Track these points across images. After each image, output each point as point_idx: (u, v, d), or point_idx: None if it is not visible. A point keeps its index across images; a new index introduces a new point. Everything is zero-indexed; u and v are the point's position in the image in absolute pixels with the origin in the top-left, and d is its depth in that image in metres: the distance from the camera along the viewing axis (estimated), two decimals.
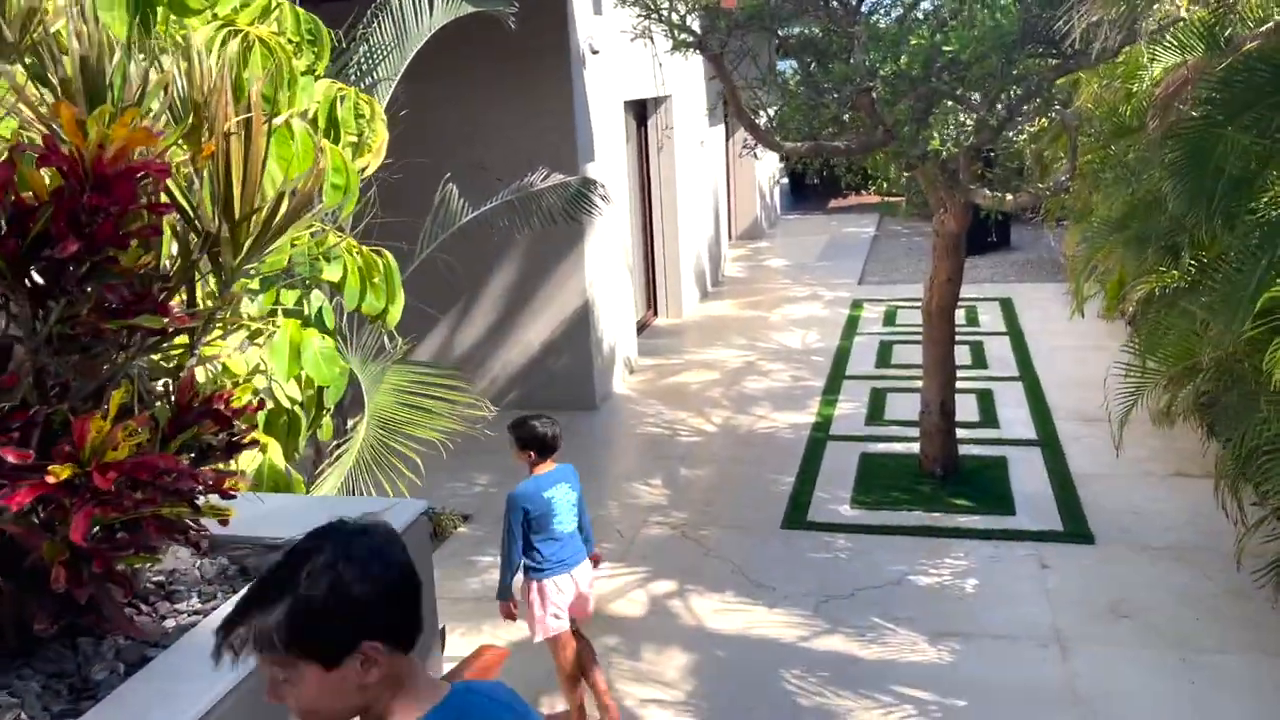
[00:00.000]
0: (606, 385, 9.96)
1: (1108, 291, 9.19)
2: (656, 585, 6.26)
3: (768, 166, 19.86)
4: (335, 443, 5.31)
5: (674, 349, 11.73)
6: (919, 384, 7.90)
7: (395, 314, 3.60)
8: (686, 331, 12.56)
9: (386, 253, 3.53)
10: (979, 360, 10.52)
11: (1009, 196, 6.36)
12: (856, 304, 13.43)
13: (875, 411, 9.23)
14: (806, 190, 24.63)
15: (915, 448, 7.93)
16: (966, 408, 8.51)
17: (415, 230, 7.10)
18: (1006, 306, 12.79)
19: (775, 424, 9.02)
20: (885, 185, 24.34)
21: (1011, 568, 6.25)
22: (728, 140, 18.11)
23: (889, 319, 12.63)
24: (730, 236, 18.74)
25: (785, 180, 24.96)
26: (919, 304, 12.59)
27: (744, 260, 17.07)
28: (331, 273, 3.38)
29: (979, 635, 5.54)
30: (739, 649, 5.56)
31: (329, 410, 3.51)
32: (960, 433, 7.79)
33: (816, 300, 13.84)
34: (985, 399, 9.31)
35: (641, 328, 12.56)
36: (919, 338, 9.57)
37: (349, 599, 1.59)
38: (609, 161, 10.20)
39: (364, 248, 3.49)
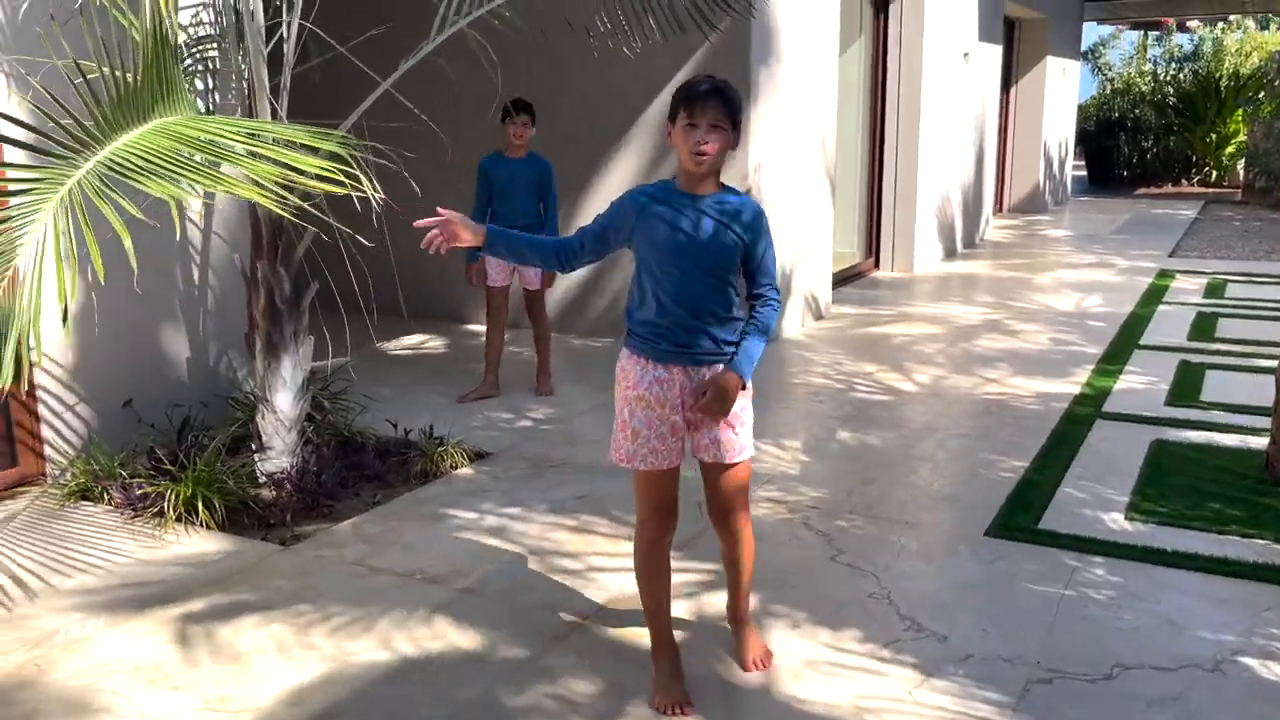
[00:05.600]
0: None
1: None
2: (722, 598, 3.33)
3: (1058, 129, 16.02)
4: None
5: (888, 300, 8.59)
6: (1267, 363, 4.48)
7: None
8: (914, 285, 9.35)
9: None
10: None
11: None
12: (1165, 274, 9.67)
13: (1185, 389, 5.76)
14: (1108, 178, 20.30)
15: (1258, 442, 4.52)
16: None
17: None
18: None
19: (1013, 390, 5.77)
20: (1215, 173, 19.69)
21: None
22: (1011, 74, 14.50)
23: (1213, 291, 8.83)
24: (1000, 206, 15.12)
25: (1083, 170, 20.75)
26: (1268, 278, 8.84)
27: (1014, 230, 13.46)
28: None
29: None
30: None
31: None
32: None
33: (1106, 268, 10.17)
34: None
35: (852, 276, 9.49)
36: (1266, 312, 6.14)
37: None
38: (812, 38, 7.28)
39: None
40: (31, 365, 2.31)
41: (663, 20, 5.02)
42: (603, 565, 3.61)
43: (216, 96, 4.87)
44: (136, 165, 2.37)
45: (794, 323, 7.32)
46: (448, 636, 3.12)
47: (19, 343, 2.28)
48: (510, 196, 5.50)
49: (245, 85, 4.23)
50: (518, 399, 5.64)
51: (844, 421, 5.24)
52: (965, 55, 10.87)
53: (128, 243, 2.22)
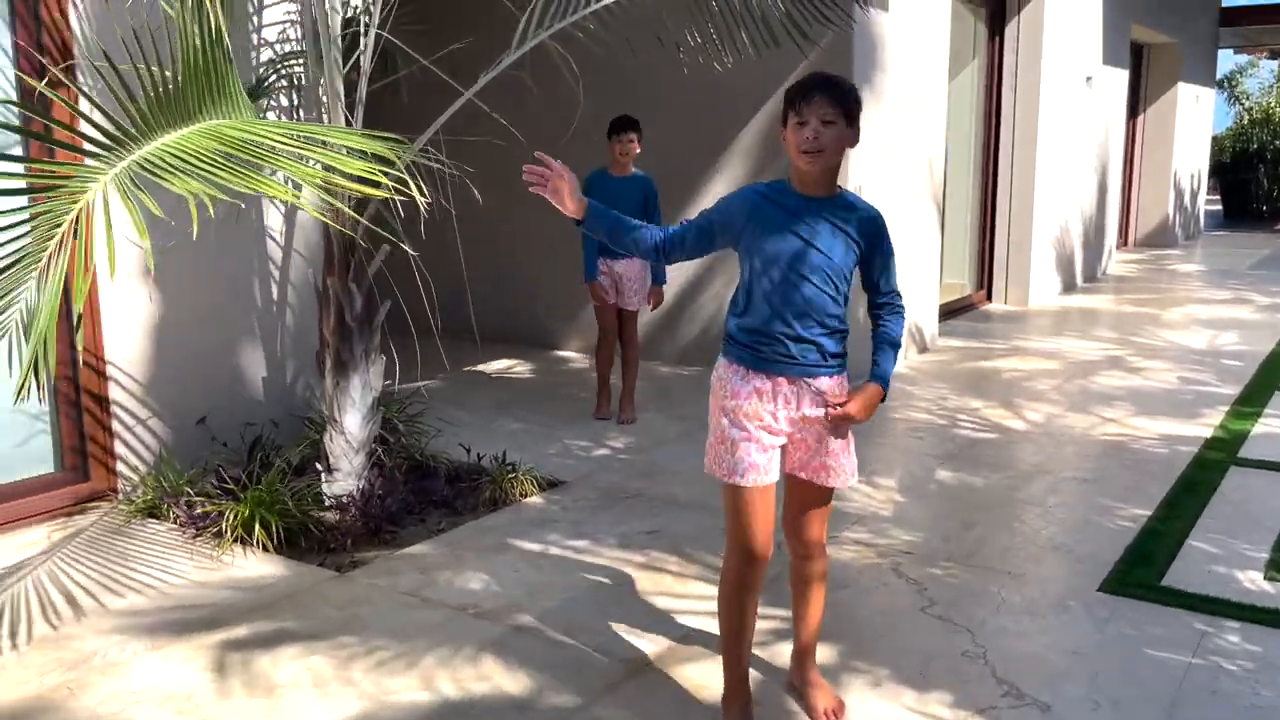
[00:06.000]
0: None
1: None
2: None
3: (1190, 159, 15.16)
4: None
5: (1000, 334, 8.12)
6: None
7: None
8: (1028, 319, 8.84)
9: None
10: None
11: None
12: None
13: None
14: (1244, 212, 19.15)
15: None
16: None
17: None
18: None
19: (1135, 431, 5.29)
20: None
21: None
22: (1138, 101, 13.79)
23: None
24: (1125, 239, 14.36)
25: (1218, 204, 19.64)
26: None
27: (1140, 264, 12.72)
28: None
29: None
30: None
31: None
32: None
33: (1243, 304, 9.46)
34: None
35: (961, 308, 9.03)
36: None
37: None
38: (920, 57, 6.95)
39: None
40: (50, 375, 2.17)
41: (756, 34, 4.80)
42: (668, 607, 3.33)
43: (301, 113, 4.83)
44: (169, 165, 2.24)
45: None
46: (494, 678, 2.89)
47: (39, 349, 2.15)
48: None
49: (323, 98, 4.15)
50: (598, 426, 5.42)
51: (944, 460, 4.85)
52: (1088, 80, 10.32)
53: (146, 244, 2.08)
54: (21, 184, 2.31)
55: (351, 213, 2.89)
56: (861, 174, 6.33)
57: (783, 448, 2.58)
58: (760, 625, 3.14)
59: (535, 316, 7.58)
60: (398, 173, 2.47)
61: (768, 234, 2.46)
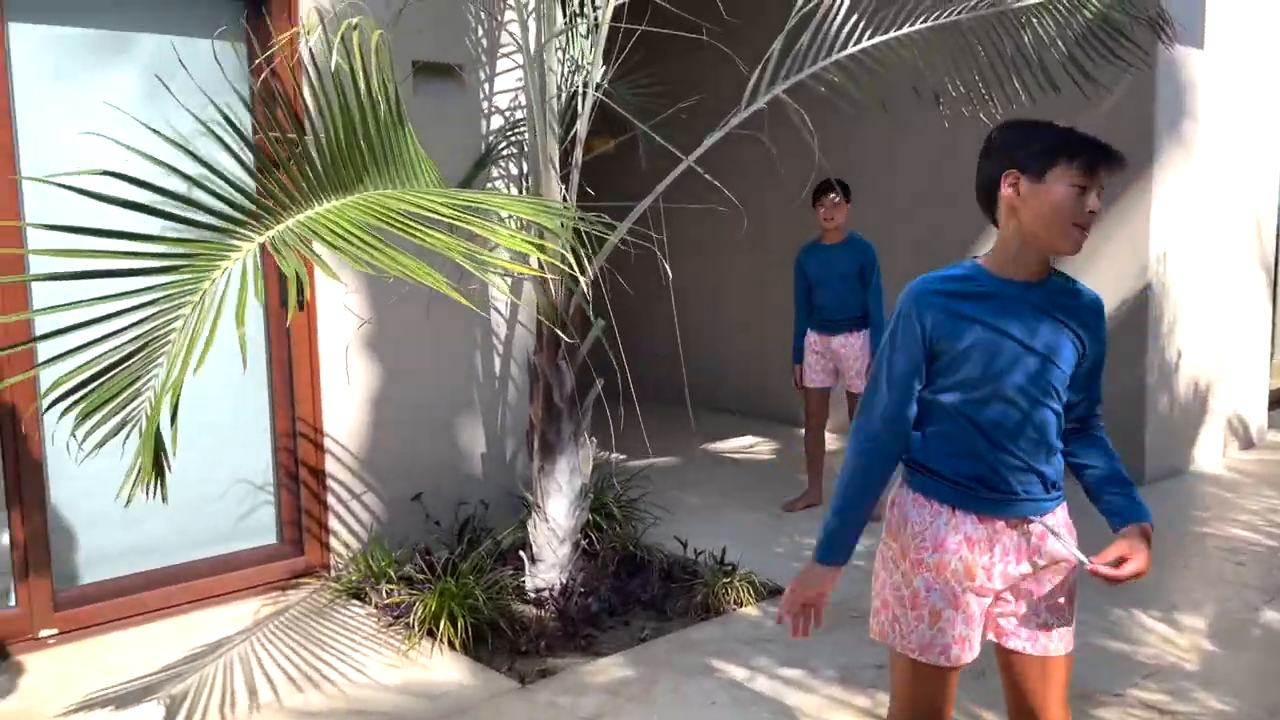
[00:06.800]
0: (1179, 453, 5.62)
1: None
2: None
3: None
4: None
5: None
6: None
7: None
8: None
9: None
10: None
11: None
12: None
13: None
14: None
15: None
16: None
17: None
18: None
19: None
20: None
21: None
22: None
23: None
24: None
25: None
26: None
27: None
28: None
29: None
30: None
31: None
32: None
33: None
34: None
35: None
36: None
37: None
38: (1244, 96, 5.91)
39: None
40: (167, 467, 1.96)
41: (1031, 80, 4.15)
42: None
43: (530, 180, 4.67)
44: (294, 239, 2.00)
45: (1211, 452, 5.82)
46: None
47: (150, 443, 1.94)
48: (828, 286, 4.91)
49: (541, 163, 3.92)
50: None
51: (1274, 597, 3.85)
52: None
53: (240, 332, 1.82)
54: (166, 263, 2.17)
55: (514, 293, 2.56)
56: (1164, 239, 5.37)
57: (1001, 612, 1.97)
58: None
59: (775, 391, 7.06)
60: (556, 247, 2.10)
61: (970, 337, 1.88)
